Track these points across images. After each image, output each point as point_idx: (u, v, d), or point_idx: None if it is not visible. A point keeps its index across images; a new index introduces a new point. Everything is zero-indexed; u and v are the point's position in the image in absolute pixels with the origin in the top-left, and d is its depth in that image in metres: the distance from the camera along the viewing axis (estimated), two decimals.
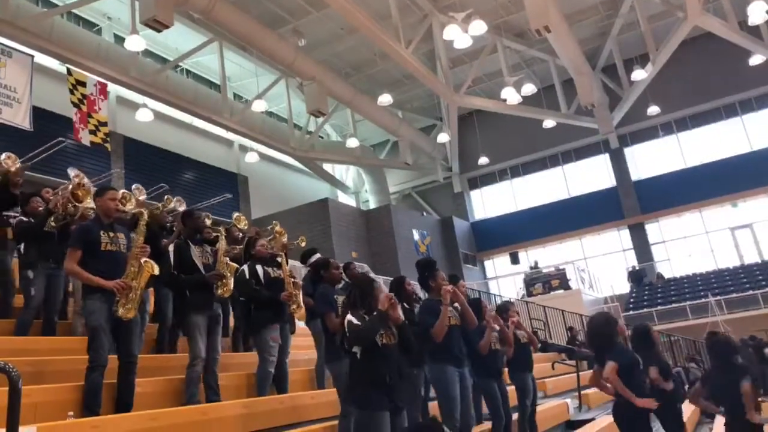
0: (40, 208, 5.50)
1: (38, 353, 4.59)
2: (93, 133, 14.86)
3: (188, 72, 21.36)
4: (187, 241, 4.77)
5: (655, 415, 5.40)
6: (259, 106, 20.15)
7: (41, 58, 14.66)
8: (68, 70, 14.79)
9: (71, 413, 3.67)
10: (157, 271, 4.10)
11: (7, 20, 13.70)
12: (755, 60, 21.87)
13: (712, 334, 5.82)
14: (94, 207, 5.28)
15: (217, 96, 20.01)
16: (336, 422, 4.36)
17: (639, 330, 5.95)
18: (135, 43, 15.08)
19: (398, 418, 3.63)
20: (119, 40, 18.12)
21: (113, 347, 4.04)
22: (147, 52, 18.66)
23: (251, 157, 22.73)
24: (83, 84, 14.89)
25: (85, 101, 14.81)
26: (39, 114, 14.01)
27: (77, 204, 4.98)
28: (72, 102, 14.62)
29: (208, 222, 5.96)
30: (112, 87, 16.20)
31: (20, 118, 13.42)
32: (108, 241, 4.05)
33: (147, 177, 16.51)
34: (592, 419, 7.32)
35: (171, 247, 5.03)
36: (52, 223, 5.35)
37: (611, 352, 4.43)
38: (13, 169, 5.52)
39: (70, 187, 5.05)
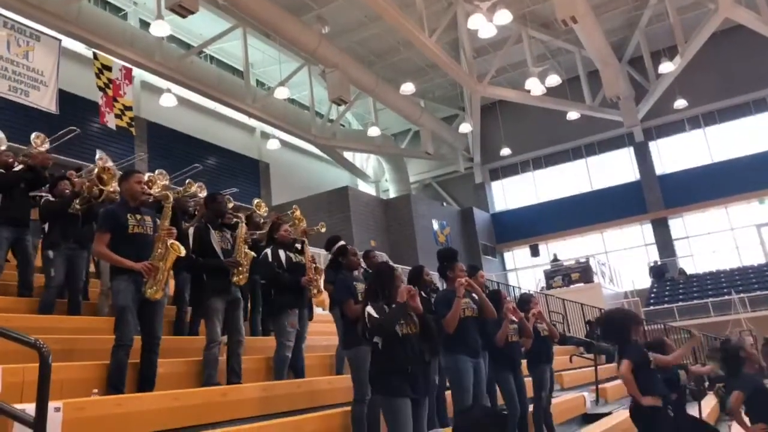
0: (67, 191, 5.59)
1: (63, 332, 4.68)
2: (118, 117, 15.05)
3: (212, 58, 21.47)
4: (207, 225, 4.82)
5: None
6: (281, 93, 20.20)
7: (68, 42, 14.83)
8: (94, 54, 14.97)
9: (96, 390, 3.75)
10: (183, 253, 4.16)
11: (36, 4, 13.87)
12: None
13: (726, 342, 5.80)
14: (119, 190, 5.38)
15: (240, 82, 20.10)
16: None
17: (655, 341, 6.04)
18: (160, 28, 15.19)
19: (420, 407, 3.66)
20: (144, 25, 18.27)
21: (137, 328, 4.11)
22: (171, 38, 18.76)
23: (273, 144, 22.83)
24: (109, 68, 15.06)
25: (110, 86, 14.98)
26: (65, 97, 14.19)
27: (102, 187, 5.05)
28: (98, 86, 14.81)
29: (229, 206, 6.01)
30: (136, 72, 16.36)
31: (47, 102, 13.61)
32: (135, 223, 4.12)
33: (170, 161, 16.73)
34: (609, 413, 7.29)
35: (191, 230, 5.09)
36: (77, 205, 5.44)
37: (626, 350, 4.40)
38: (41, 148, 5.60)
39: (96, 170, 5.12)
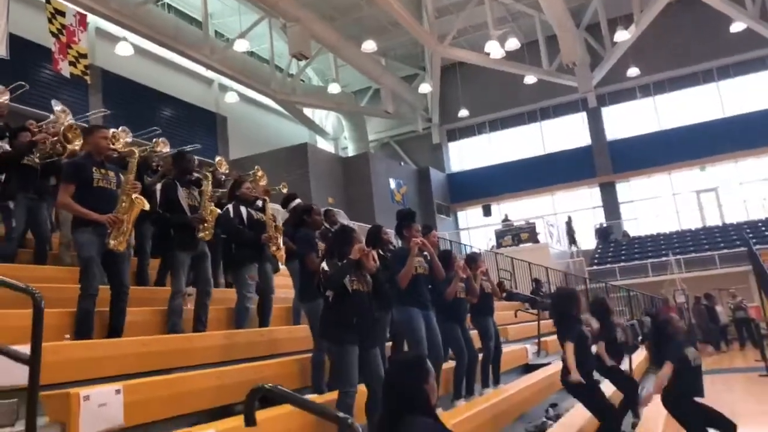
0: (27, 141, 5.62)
1: (30, 281, 4.81)
2: (72, 64, 14.63)
3: (170, 7, 20.91)
4: (174, 181, 4.99)
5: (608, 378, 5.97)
6: (241, 45, 19.92)
7: None
8: None
9: (67, 336, 3.97)
10: (147, 207, 4.34)
11: None
12: (736, 27, 22.18)
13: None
14: (81, 147, 5.46)
15: (199, 33, 19.72)
16: (309, 355, 4.73)
17: (596, 301, 6.72)
18: None
19: (370, 353, 3.98)
20: None
21: (103, 278, 4.30)
22: None
23: (231, 98, 22.57)
24: (62, 14, 14.56)
25: (64, 32, 14.51)
26: (16, 42, 13.73)
27: (67, 144, 5.14)
28: (51, 32, 14.32)
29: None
30: (91, 18, 15.85)
31: None
32: (100, 177, 4.23)
33: (125, 112, 16.44)
34: (549, 364, 7.87)
35: (158, 186, 5.24)
36: (36, 159, 5.50)
37: (568, 329, 4.84)
38: (2, 99, 5.60)
39: (62, 128, 5.18)
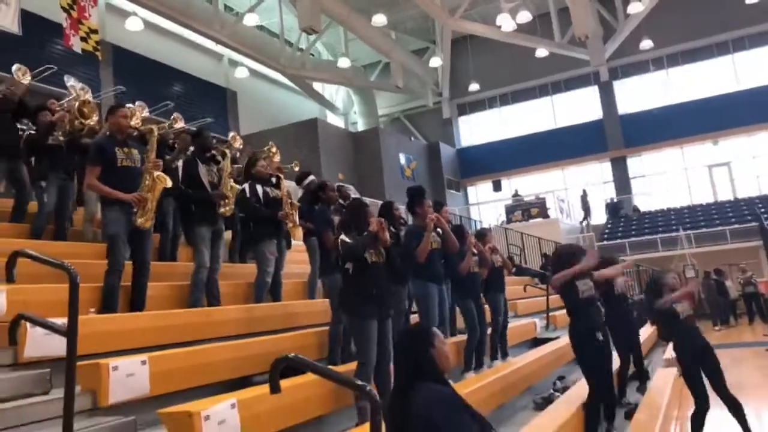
0: (47, 121, 5.74)
1: (53, 256, 4.97)
2: (84, 40, 14.63)
3: None
4: (195, 158, 5.10)
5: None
6: (251, 20, 19.85)
7: None
8: None
9: (92, 309, 4.12)
10: (170, 184, 4.46)
11: None
12: None
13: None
14: (99, 123, 5.58)
15: (209, 7, 19.65)
16: (325, 328, 4.88)
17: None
18: None
19: (384, 326, 4.12)
20: None
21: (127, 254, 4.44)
22: None
23: (241, 72, 22.54)
24: None
25: (75, 7, 14.52)
26: (28, 17, 13.79)
27: (84, 120, 5.24)
28: (62, 6, 14.30)
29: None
30: None
31: (8, 21, 13.24)
32: (123, 157, 4.37)
33: (136, 87, 16.50)
34: (557, 338, 8.00)
35: (180, 163, 5.35)
36: (60, 138, 5.63)
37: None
38: (24, 81, 5.71)
39: (76, 104, 5.28)
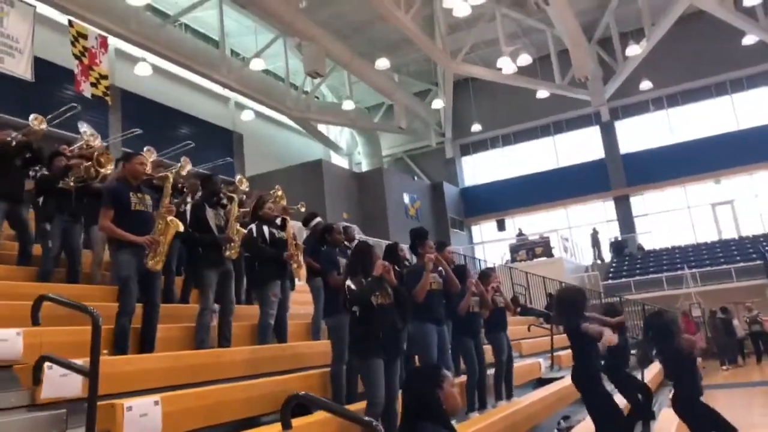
0: (62, 166, 5.92)
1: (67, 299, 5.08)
2: (94, 85, 15.07)
3: (187, 27, 21.41)
4: (203, 202, 5.26)
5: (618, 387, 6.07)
6: (257, 64, 20.32)
7: (43, 9, 14.75)
8: (70, 22, 14.91)
9: (105, 351, 4.20)
10: (182, 229, 4.61)
11: None
12: (748, 40, 22.25)
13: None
14: (119, 172, 5.76)
15: (216, 52, 20.15)
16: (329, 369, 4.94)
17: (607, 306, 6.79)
18: None
19: (392, 365, 4.21)
20: None
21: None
22: (147, 6, 18.69)
23: (247, 115, 22.98)
24: (84, 36, 15.01)
25: (86, 54, 14.97)
26: (40, 64, 14.16)
27: (100, 169, 5.45)
28: (74, 54, 14.77)
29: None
30: (111, 39, 16.32)
31: (22, 69, 13.58)
32: (137, 201, 4.53)
33: (144, 130, 16.71)
34: (562, 377, 7.99)
35: (188, 207, 5.51)
36: (71, 183, 5.80)
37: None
38: (40, 128, 5.91)
39: (95, 154, 5.50)
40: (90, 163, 5.65)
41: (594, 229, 24.78)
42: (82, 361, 3.54)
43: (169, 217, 4.58)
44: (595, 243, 24.29)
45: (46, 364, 3.25)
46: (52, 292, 5.31)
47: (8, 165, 5.89)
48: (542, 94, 25.02)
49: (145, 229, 4.51)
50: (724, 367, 15.53)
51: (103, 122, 17.05)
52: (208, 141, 21.41)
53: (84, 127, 7.49)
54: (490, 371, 6.23)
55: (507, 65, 21.11)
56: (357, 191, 23.23)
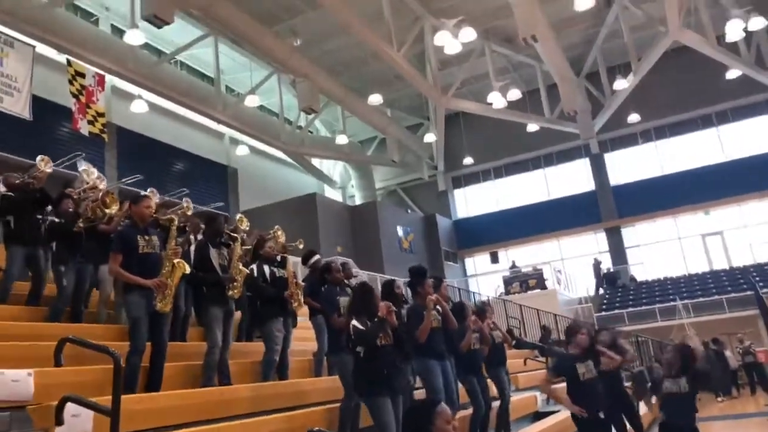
0: (70, 209, 6.05)
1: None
2: (91, 123, 15.27)
3: (182, 64, 21.74)
4: (207, 242, 5.39)
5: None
6: (251, 101, 20.60)
7: (41, 48, 14.96)
8: (68, 61, 15.14)
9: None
10: (188, 270, 4.73)
11: (9, 10, 13.89)
12: (732, 74, 22.82)
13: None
14: (120, 212, 5.90)
15: (211, 89, 20.43)
16: (333, 405, 5.03)
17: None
18: (134, 37, 15.53)
19: (396, 401, 4.33)
20: (116, 30, 18.49)
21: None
22: (144, 44, 19.00)
23: (242, 150, 23.20)
24: (82, 75, 15.26)
25: (84, 92, 15.19)
26: (37, 103, 14.33)
27: (106, 210, 5.59)
28: (71, 92, 14.99)
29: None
30: (108, 77, 16.54)
31: (20, 107, 13.76)
32: (144, 244, 4.66)
33: (138, 166, 16.90)
34: (558, 411, 8.05)
35: (192, 247, 5.63)
36: (80, 224, 5.92)
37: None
38: (46, 170, 6.03)
39: (100, 194, 5.65)
40: (96, 202, 5.77)
41: (596, 259, 24.95)
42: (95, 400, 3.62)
43: (176, 260, 4.69)
44: (597, 273, 24.39)
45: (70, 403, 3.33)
46: (60, 332, 5.40)
47: (28, 209, 6.02)
48: (532, 127, 25.45)
49: (154, 270, 4.63)
50: (719, 399, 15.55)
51: (99, 158, 17.17)
52: (202, 176, 21.61)
53: (83, 166, 7.59)
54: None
55: (497, 100, 21.55)
56: (351, 224, 23.38)
